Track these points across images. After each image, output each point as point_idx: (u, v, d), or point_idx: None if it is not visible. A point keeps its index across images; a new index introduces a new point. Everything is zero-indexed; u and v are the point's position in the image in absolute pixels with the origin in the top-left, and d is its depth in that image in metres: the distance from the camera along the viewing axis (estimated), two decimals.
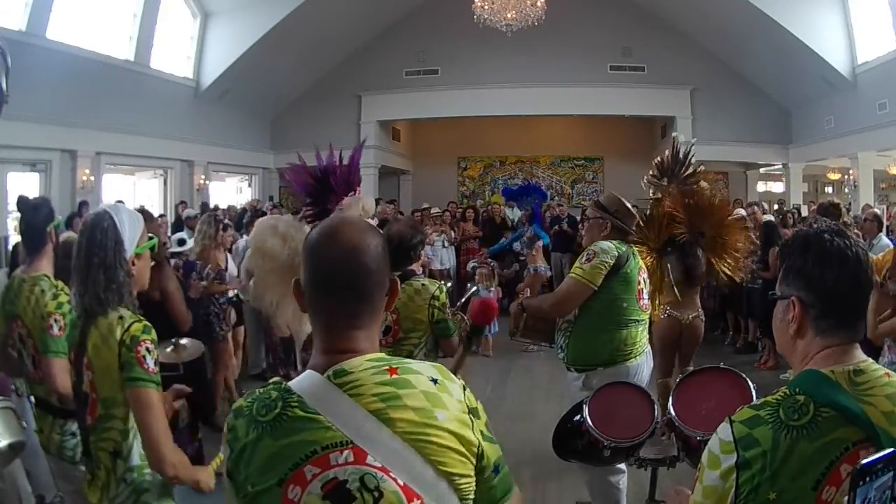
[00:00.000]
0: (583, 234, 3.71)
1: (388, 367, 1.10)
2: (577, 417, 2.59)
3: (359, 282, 1.13)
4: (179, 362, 3.08)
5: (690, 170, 4.59)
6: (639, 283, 3.14)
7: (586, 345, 3.10)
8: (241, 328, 5.75)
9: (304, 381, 1.11)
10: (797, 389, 1.15)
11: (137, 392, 1.74)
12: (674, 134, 4.84)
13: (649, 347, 3.28)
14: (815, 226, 1.28)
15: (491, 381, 6.34)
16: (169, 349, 3.08)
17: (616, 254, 3.04)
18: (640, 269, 3.18)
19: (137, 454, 1.82)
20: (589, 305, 3.06)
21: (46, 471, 2.51)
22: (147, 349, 1.77)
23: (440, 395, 1.10)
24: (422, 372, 1.13)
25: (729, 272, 4.43)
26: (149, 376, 1.76)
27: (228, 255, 5.67)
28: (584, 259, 3.07)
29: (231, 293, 5.27)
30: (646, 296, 3.21)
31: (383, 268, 1.16)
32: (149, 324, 1.83)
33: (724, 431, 1.14)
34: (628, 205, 3.29)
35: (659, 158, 4.72)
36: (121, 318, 1.80)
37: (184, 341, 3.20)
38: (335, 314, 1.14)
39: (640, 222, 3.80)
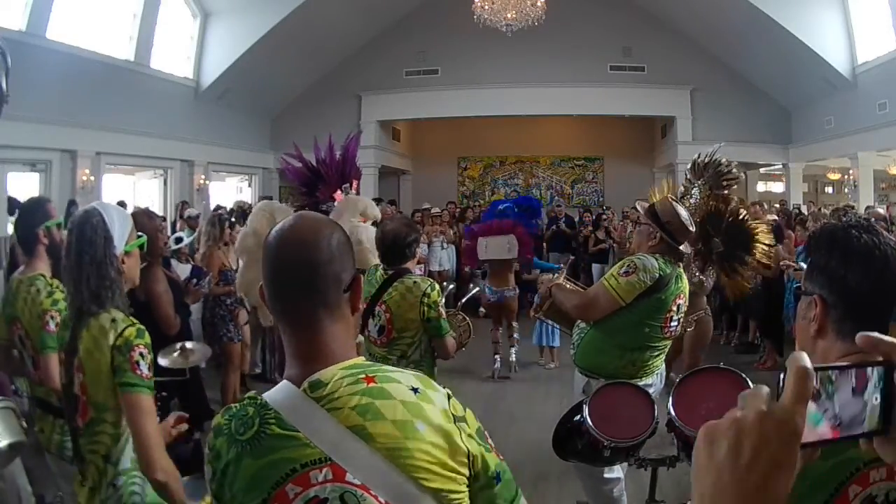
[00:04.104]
0: (633, 237, 3.53)
1: (364, 375, 1.06)
2: (577, 417, 2.59)
3: (307, 279, 1.08)
4: (186, 367, 3.07)
5: (728, 170, 4.42)
6: (671, 309, 2.91)
7: (594, 353, 3.00)
8: (246, 327, 5.68)
9: (279, 393, 1.08)
10: None
11: (130, 397, 1.73)
12: (715, 146, 4.76)
13: (663, 370, 3.14)
14: (844, 219, 1.20)
15: (491, 381, 6.34)
16: (176, 354, 3.05)
17: (658, 275, 2.83)
18: (679, 294, 2.94)
19: (128, 459, 1.81)
20: (610, 318, 2.90)
21: (47, 471, 2.51)
22: (141, 354, 1.76)
23: (421, 404, 1.05)
24: (401, 381, 1.07)
25: (737, 288, 4.32)
26: (142, 381, 1.74)
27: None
28: (622, 270, 2.88)
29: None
30: (674, 322, 2.97)
31: (338, 262, 1.10)
32: (142, 327, 1.82)
33: None
34: (684, 217, 3.00)
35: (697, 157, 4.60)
36: (113, 321, 1.77)
37: (189, 345, 3.16)
38: (292, 314, 1.10)
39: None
